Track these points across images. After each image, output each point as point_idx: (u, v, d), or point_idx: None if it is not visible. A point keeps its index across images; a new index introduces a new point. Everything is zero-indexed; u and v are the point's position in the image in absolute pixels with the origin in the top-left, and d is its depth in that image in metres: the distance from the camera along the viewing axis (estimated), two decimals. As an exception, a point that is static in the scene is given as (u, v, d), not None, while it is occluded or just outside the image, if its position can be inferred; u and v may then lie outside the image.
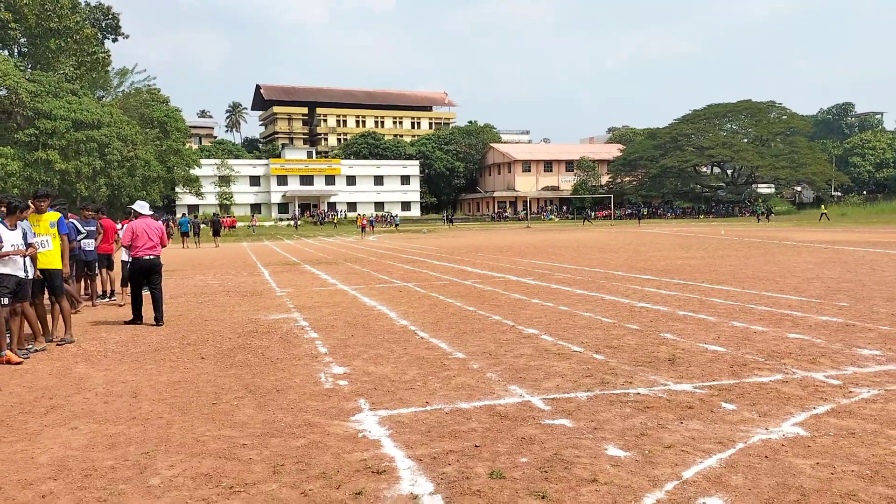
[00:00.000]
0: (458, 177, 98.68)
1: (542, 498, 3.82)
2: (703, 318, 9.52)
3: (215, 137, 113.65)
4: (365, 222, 52.31)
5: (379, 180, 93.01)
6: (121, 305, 12.44)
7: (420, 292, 13.46)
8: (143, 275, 10.40)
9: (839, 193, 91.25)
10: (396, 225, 65.75)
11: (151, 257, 10.34)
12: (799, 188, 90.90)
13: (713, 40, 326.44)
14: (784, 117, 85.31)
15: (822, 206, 62.84)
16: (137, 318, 10.41)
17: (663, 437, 4.75)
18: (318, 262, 23.05)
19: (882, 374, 6.29)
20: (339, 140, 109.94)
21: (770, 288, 12.67)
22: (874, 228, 38.98)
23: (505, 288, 13.83)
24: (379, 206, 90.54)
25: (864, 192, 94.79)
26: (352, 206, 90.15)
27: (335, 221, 77.77)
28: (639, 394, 5.85)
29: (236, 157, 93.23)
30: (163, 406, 5.85)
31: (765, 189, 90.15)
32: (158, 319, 10.23)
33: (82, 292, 13.00)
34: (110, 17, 60.07)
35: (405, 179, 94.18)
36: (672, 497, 3.79)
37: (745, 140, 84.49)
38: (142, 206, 10.79)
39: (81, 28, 51.88)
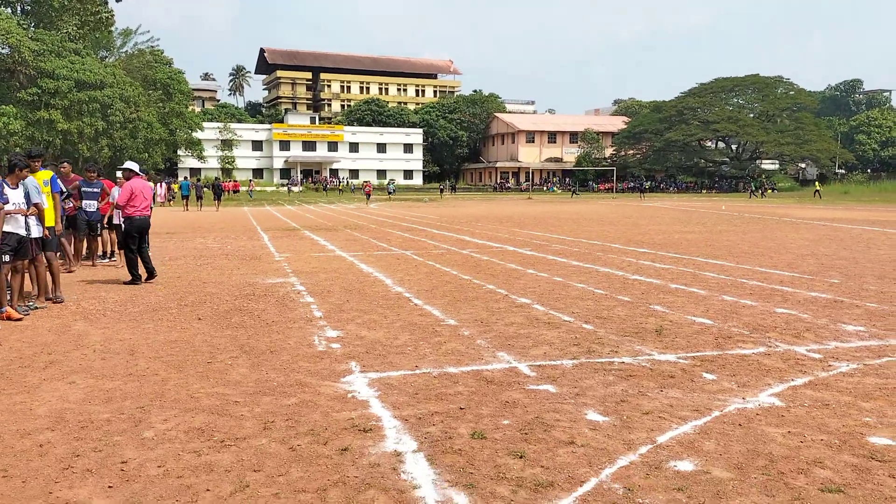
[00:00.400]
0: (462, 146, 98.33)
1: (520, 458, 3.97)
2: (694, 292, 9.64)
3: (218, 101, 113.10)
4: (370, 189, 51.53)
5: (382, 148, 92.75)
6: (120, 267, 12.55)
7: (417, 260, 13.59)
8: (139, 234, 10.71)
9: (843, 171, 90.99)
10: (390, 193, 63.53)
11: (146, 216, 10.75)
12: (803, 165, 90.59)
13: (726, 12, 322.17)
14: (791, 93, 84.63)
15: (817, 184, 62.79)
16: (137, 278, 10.57)
17: (642, 404, 4.90)
18: (318, 228, 23.17)
19: (863, 350, 6.42)
20: (342, 106, 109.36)
21: (764, 263, 12.79)
22: (875, 207, 38.99)
23: (502, 258, 13.95)
24: (381, 173, 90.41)
25: (869, 171, 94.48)
26: (354, 173, 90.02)
27: (340, 188, 77.22)
28: (623, 363, 6.00)
29: (239, 121, 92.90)
30: (159, 363, 6.00)
31: (769, 165, 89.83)
32: (153, 272, 10.68)
33: (83, 252, 13.14)
34: (113, -24, 59.41)
35: (408, 147, 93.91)
36: (644, 460, 3.94)
37: (751, 115, 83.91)
38: (134, 166, 11.04)
39: (84, -14, 51.38)
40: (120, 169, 11.99)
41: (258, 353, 6.32)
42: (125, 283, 10.62)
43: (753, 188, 65.10)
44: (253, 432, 4.38)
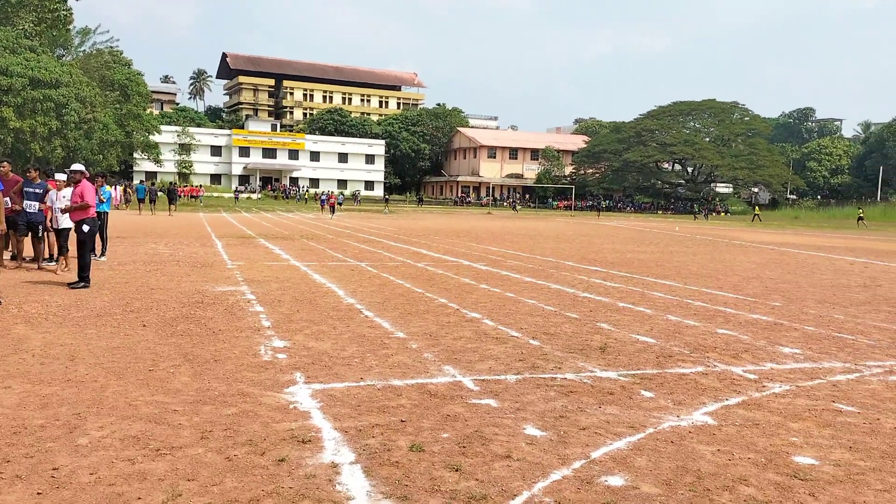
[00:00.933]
0: (424, 159, 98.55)
1: (456, 471, 4.02)
2: (641, 311, 9.84)
3: (177, 104, 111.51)
4: (334, 200, 45.80)
5: (343, 158, 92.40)
6: (65, 270, 12.22)
7: (371, 272, 13.59)
8: None
9: (794, 196, 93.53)
10: (339, 203, 57.31)
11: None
12: (756, 189, 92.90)
13: (690, 40, 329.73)
14: (746, 119, 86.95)
15: (756, 209, 64.45)
16: (88, 281, 10.38)
17: (580, 420, 5.00)
18: (274, 236, 22.99)
19: (797, 371, 6.64)
20: (304, 114, 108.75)
21: (710, 285, 13.10)
22: (823, 232, 40.17)
23: (456, 272, 14.03)
24: (342, 183, 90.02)
25: (819, 197, 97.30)
26: (314, 182, 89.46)
27: (305, 197, 75.43)
28: (565, 378, 6.10)
29: (198, 125, 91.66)
30: (99, 370, 5.91)
31: (724, 188, 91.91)
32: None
33: (22, 252, 12.86)
34: (74, -27, 58.35)
35: (370, 158, 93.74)
36: (577, 474, 4.02)
37: (707, 139, 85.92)
38: (82, 167, 11.00)
39: (43, -17, 50.38)
40: (68, 171, 11.72)
41: (202, 362, 6.27)
42: (70, 286, 10.40)
43: (696, 210, 67.51)
44: (190, 441, 4.35)
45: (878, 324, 9.37)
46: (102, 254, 14.22)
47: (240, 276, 12.33)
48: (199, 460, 4.06)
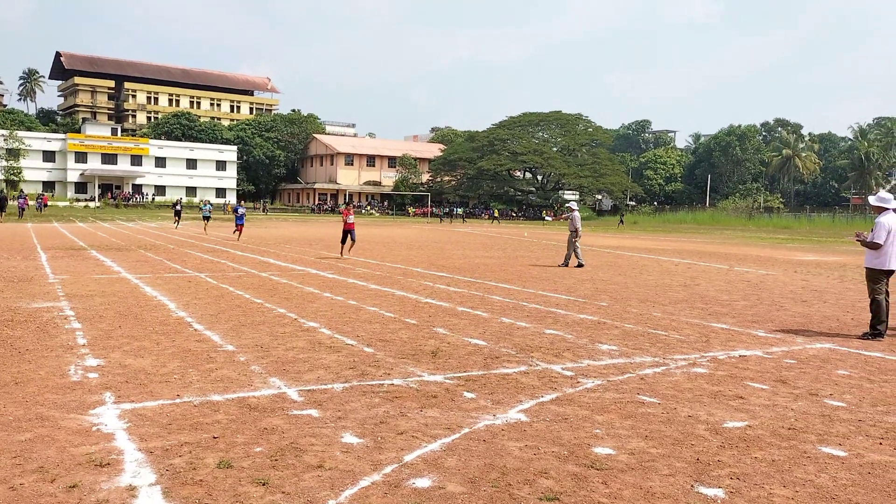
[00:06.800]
0: (279, 166, 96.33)
1: (263, 485, 3.95)
2: (478, 315, 10.11)
3: (5, 106, 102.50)
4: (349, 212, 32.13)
5: (192, 164, 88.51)
6: None
7: (210, 283, 13.10)
8: None
9: (633, 203, 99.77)
10: (206, 218, 50.03)
11: None
12: (599, 196, 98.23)
13: (539, 49, 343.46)
14: (590, 129, 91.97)
15: (621, 214, 67.68)
16: None
17: (400, 425, 5.06)
18: (108, 247, 21.63)
19: (610, 367, 7.06)
20: (148, 118, 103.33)
21: (547, 288, 13.69)
22: (657, 236, 43.11)
23: (301, 281, 13.81)
24: (191, 191, 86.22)
25: (655, 203, 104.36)
26: (160, 189, 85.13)
27: (178, 208, 65.52)
28: (392, 384, 6.15)
29: (28, 128, 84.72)
30: None
31: (570, 195, 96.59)
32: None
33: None
34: None
35: (221, 165, 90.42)
36: (387, 479, 4.06)
37: (555, 148, 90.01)
38: None
39: None
40: None
41: (0, 385, 5.77)
42: None
43: (441, 215, 74.89)
44: (-30, 473, 3.99)
45: (690, 320, 10.17)
46: None
47: (61, 290, 11.50)
48: (-24, 493, 3.73)
